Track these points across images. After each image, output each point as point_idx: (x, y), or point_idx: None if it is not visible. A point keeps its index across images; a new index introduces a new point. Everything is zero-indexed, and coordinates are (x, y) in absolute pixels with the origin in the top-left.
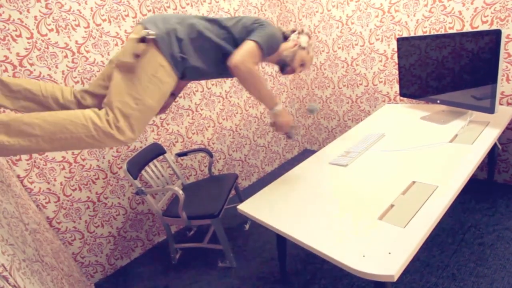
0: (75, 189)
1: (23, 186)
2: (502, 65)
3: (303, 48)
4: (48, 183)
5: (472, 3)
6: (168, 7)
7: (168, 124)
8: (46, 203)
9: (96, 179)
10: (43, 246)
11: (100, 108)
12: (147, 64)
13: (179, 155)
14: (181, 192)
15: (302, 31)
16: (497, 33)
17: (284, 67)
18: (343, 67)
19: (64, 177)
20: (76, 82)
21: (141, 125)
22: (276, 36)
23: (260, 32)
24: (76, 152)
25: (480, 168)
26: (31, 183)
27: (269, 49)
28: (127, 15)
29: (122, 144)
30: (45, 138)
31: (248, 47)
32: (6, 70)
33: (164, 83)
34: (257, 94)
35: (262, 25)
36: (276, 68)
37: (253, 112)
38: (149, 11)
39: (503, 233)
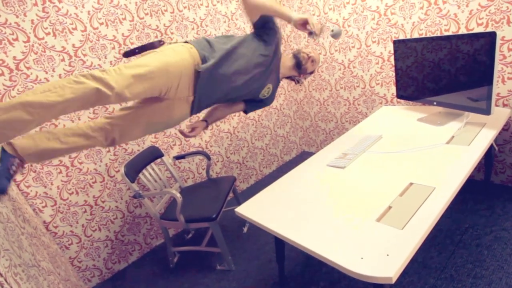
0: (72, 192)
1: (20, 190)
2: (497, 66)
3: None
4: (45, 187)
5: (467, 6)
6: (166, 10)
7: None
8: (43, 207)
9: (93, 182)
10: (40, 251)
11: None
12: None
13: (177, 158)
14: (179, 195)
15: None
16: (492, 35)
17: (300, 53)
18: (340, 69)
19: (61, 180)
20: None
21: (127, 82)
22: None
23: None
24: (73, 155)
25: (477, 169)
26: (28, 187)
27: None
28: (124, 19)
29: (108, 93)
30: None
31: None
32: (2, 74)
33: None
34: (272, 11)
35: None
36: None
37: (250, 115)
38: (146, 14)
39: (500, 234)
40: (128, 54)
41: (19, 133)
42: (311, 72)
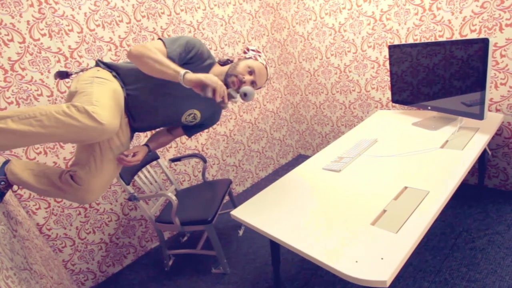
0: None
1: (13, 192)
2: (490, 72)
3: (248, 58)
4: None
5: (460, 12)
6: (163, 13)
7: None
8: (36, 209)
9: None
10: (32, 254)
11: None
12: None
13: (173, 160)
14: (174, 197)
15: (248, 49)
16: (485, 42)
17: (227, 78)
18: (336, 73)
19: None
20: (69, 87)
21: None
22: (190, 41)
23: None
24: (68, 157)
25: (471, 173)
26: (21, 188)
27: (173, 45)
28: (121, 21)
29: (98, 123)
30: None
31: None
32: None
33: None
34: (158, 71)
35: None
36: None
37: (247, 118)
38: (143, 17)
39: (494, 238)
40: (56, 76)
41: None
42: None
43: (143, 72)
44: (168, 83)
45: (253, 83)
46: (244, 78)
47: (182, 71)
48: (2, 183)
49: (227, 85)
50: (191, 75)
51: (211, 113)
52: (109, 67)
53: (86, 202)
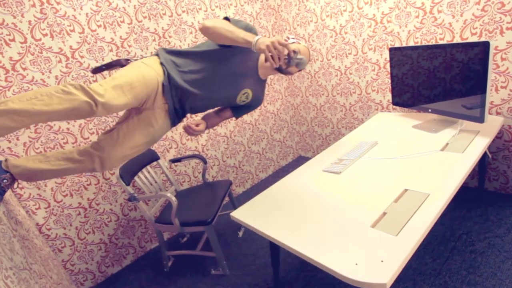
0: (66, 195)
1: (13, 191)
2: (491, 75)
3: (292, 43)
4: (39, 188)
5: (461, 15)
6: (164, 14)
7: (195, 114)
8: (36, 209)
9: (88, 184)
10: (32, 254)
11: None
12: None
13: (173, 161)
14: (174, 198)
15: (288, 37)
16: (485, 45)
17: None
18: (336, 75)
19: (55, 182)
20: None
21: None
22: (250, 24)
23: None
24: None
25: (471, 176)
26: (21, 188)
27: (237, 23)
28: (123, 21)
29: (96, 99)
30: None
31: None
32: None
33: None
34: (229, 38)
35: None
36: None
37: (247, 119)
38: (144, 17)
39: (494, 241)
40: (95, 71)
41: None
42: (300, 69)
43: (208, 50)
44: (227, 64)
45: None
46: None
47: (256, 36)
48: (5, 181)
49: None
50: (265, 39)
51: (259, 93)
52: (169, 53)
53: (104, 169)
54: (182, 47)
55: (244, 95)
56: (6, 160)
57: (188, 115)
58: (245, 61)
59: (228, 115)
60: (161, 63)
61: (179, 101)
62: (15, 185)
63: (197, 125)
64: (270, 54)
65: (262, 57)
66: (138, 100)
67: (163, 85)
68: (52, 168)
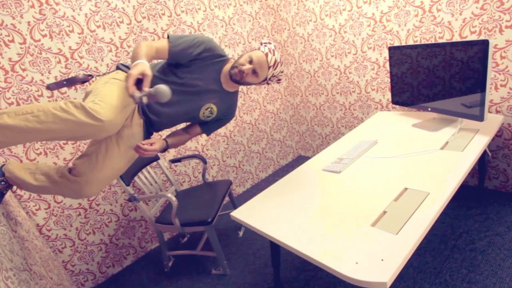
0: None
1: (13, 192)
2: (490, 74)
3: (253, 50)
4: None
5: (460, 14)
6: (163, 14)
7: (162, 130)
8: (36, 210)
9: None
10: (32, 255)
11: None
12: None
13: (173, 161)
14: (174, 198)
15: (261, 43)
16: (485, 43)
17: (231, 71)
18: (336, 74)
19: None
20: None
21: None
22: (198, 37)
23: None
24: (68, 157)
25: (471, 174)
26: (21, 189)
27: (178, 40)
28: (122, 22)
29: (95, 118)
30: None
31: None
32: None
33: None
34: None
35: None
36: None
37: (247, 119)
38: (143, 18)
39: (494, 239)
40: (54, 86)
41: None
42: (278, 80)
43: (160, 73)
44: (183, 81)
45: (254, 72)
46: (243, 67)
47: (139, 60)
48: (2, 183)
49: (231, 76)
50: (133, 69)
51: (227, 106)
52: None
53: (83, 196)
54: None
55: (208, 110)
56: (4, 163)
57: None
58: (205, 76)
59: (197, 131)
60: None
61: (150, 118)
62: (14, 188)
63: (151, 144)
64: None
65: (226, 68)
66: (126, 118)
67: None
68: (32, 183)
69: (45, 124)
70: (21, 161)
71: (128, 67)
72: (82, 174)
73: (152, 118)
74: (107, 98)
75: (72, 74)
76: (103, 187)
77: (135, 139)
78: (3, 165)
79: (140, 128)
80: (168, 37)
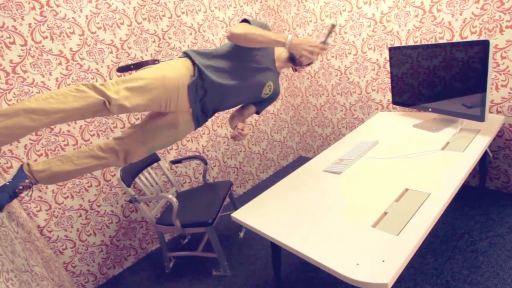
0: (67, 197)
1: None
2: (491, 74)
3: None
4: (40, 190)
5: (461, 14)
6: (164, 15)
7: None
8: (38, 211)
9: (88, 186)
10: (33, 256)
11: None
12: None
13: (174, 162)
14: (175, 199)
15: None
16: (485, 44)
17: (294, 58)
18: (336, 75)
19: (56, 184)
20: None
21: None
22: (265, 22)
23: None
24: None
25: (472, 175)
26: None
27: (256, 24)
28: (122, 23)
29: (111, 102)
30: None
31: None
32: None
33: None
34: (262, 42)
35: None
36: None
37: (247, 120)
38: (144, 19)
39: (495, 240)
40: (123, 69)
41: (18, 138)
42: (309, 63)
43: (232, 50)
44: (252, 60)
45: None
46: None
47: (288, 36)
48: (21, 187)
49: (302, 62)
50: (297, 39)
51: (278, 85)
52: (198, 54)
53: (126, 164)
54: (182, 48)
55: (268, 88)
56: (28, 164)
57: (216, 114)
58: (266, 56)
59: (252, 111)
60: (194, 63)
61: (206, 103)
62: (30, 192)
63: (242, 129)
64: (307, 53)
65: (277, 51)
66: (156, 103)
67: (188, 87)
68: (76, 168)
69: (67, 104)
70: (21, 161)
71: (196, 51)
72: (128, 145)
73: (222, 99)
74: (130, 80)
75: (73, 76)
76: (144, 157)
77: (181, 126)
78: (21, 167)
79: (188, 116)
80: (245, 20)
